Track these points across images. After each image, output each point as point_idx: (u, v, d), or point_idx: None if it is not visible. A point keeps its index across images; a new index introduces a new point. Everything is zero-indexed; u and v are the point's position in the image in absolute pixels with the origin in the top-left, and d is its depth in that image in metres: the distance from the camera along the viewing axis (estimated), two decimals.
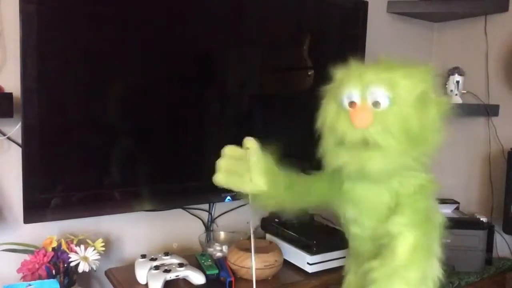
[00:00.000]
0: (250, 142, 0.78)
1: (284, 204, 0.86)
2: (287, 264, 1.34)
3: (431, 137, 0.75)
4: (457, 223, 1.49)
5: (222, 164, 0.80)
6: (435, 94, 0.75)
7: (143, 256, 1.25)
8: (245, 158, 0.75)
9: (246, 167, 0.75)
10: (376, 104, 0.69)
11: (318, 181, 0.89)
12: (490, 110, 1.80)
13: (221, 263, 1.27)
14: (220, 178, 0.78)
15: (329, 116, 0.80)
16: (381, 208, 0.79)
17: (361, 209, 0.83)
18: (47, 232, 1.22)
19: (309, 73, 1.57)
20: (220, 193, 1.41)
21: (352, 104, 0.73)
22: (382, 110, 0.69)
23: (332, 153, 0.79)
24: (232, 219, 1.59)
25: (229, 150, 0.80)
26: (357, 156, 0.72)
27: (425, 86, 0.73)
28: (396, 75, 0.73)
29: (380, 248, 0.75)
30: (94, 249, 1.19)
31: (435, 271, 0.78)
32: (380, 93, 0.69)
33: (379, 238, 0.77)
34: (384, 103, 0.69)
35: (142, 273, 1.18)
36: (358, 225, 0.84)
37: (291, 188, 0.86)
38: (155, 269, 1.17)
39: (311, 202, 0.89)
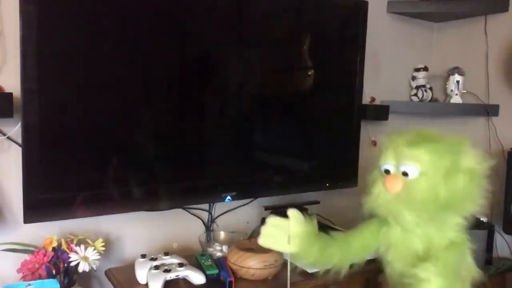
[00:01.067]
0: (292, 212, 0.92)
1: (321, 262, 1.03)
2: (287, 264, 1.34)
3: (463, 202, 0.85)
4: None
5: (265, 230, 0.96)
6: (470, 163, 0.84)
7: (143, 256, 1.25)
8: (286, 226, 0.89)
9: (285, 232, 0.91)
10: (406, 174, 0.82)
11: (357, 236, 1.01)
12: (490, 110, 1.80)
13: (221, 263, 1.27)
14: (263, 241, 0.95)
15: (373, 175, 0.93)
16: (411, 254, 0.89)
17: (394, 252, 0.94)
18: (47, 232, 1.22)
19: (309, 73, 1.57)
20: (220, 193, 1.42)
21: (387, 171, 0.87)
22: (411, 179, 0.82)
23: (374, 204, 0.91)
24: (232, 219, 1.59)
25: (272, 220, 0.96)
26: (392, 210, 0.87)
27: (453, 158, 0.83)
28: (425, 150, 0.83)
29: (404, 285, 0.87)
30: (94, 249, 1.19)
31: None
32: (409, 167, 0.82)
33: (405, 277, 0.86)
34: (413, 174, 0.82)
35: (142, 273, 1.18)
36: (390, 265, 0.96)
37: (326, 250, 1.02)
38: (155, 269, 1.17)
39: (354, 256, 1.01)
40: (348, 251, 1.00)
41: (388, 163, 0.88)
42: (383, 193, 0.88)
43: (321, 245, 1.01)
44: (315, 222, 0.96)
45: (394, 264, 0.96)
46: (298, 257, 0.98)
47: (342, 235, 1.04)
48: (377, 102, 1.88)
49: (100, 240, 1.23)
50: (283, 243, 0.93)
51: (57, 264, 1.15)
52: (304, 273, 1.30)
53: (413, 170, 0.83)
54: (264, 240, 0.95)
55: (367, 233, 0.99)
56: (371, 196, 0.91)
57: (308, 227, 0.94)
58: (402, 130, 0.98)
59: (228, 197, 1.43)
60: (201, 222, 1.53)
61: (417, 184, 0.83)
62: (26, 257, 1.15)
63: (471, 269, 0.90)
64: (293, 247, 0.93)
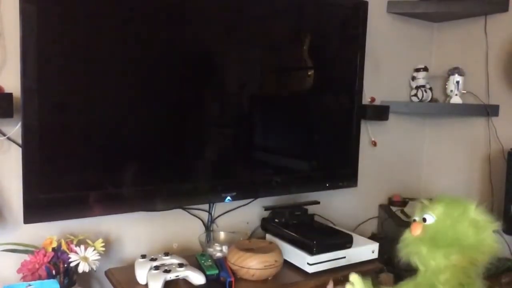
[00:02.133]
0: (354, 277, 1.09)
1: None
2: (287, 264, 1.34)
3: (470, 250, 1.05)
4: None
5: None
6: (475, 215, 1.07)
7: (143, 256, 1.24)
8: None
9: None
10: (424, 220, 1.07)
11: None
12: (490, 110, 1.80)
13: (221, 263, 1.27)
14: None
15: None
16: None
17: None
18: (47, 232, 1.22)
19: (309, 73, 1.57)
20: (220, 193, 1.42)
21: (414, 220, 1.11)
22: (428, 224, 1.07)
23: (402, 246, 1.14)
24: (232, 219, 1.59)
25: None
26: (413, 248, 1.10)
27: (461, 210, 1.07)
28: (440, 204, 1.09)
29: None
30: (94, 249, 1.19)
31: None
32: (427, 215, 1.07)
33: None
34: (430, 220, 1.07)
35: (142, 273, 1.18)
36: None
37: None
38: (155, 269, 1.17)
39: None
40: None
41: (415, 216, 1.12)
42: (408, 236, 1.12)
43: None
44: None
45: None
46: None
47: None
48: (377, 102, 1.88)
49: (100, 240, 1.23)
50: None
51: (57, 264, 1.15)
52: (304, 273, 1.30)
53: (430, 218, 1.07)
54: None
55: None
56: (402, 241, 1.13)
57: None
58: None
59: (228, 197, 1.43)
60: (201, 222, 1.53)
61: (431, 227, 1.07)
62: (26, 257, 1.15)
63: None
64: None
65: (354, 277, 1.11)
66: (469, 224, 1.07)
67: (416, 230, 1.10)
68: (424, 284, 1.10)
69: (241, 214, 1.60)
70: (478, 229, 1.08)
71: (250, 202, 1.60)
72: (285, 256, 1.33)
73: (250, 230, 1.62)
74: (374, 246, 1.44)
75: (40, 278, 1.13)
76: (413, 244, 1.12)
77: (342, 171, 1.71)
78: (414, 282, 1.13)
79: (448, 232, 1.07)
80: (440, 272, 1.06)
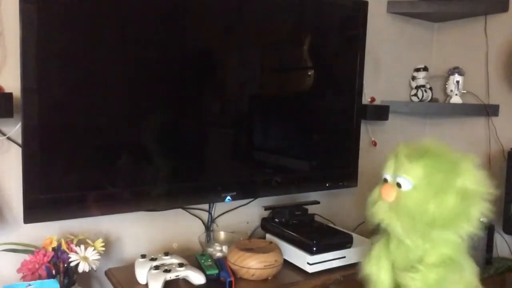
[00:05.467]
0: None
1: None
2: (287, 264, 1.34)
3: (454, 221, 0.86)
4: None
5: None
6: (466, 183, 0.85)
7: (143, 256, 1.24)
8: None
9: None
10: (399, 185, 0.86)
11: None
12: (490, 110, 1.80)
13: (221, 263, 1.27)
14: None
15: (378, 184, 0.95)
16: (408, 263, 0.92)
17: (399, 267, 0.96)
18: (47, 232, 1.22)
19: (309, 73, 1.57)
20: (220, 193, 1.42)
21: (385, 180, 0.92)
22: (403, 191, 0.87)
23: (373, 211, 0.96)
24: (232, 219, 1.59)
25: None
26: (384, 218, 0.91)
27: (448, 176, 0.85)
28: (421, 165, 0.86)
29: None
30: (94, 249, 1.19)
31: None
32: (403, 179, 0.86)
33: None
34: (406, 186, 0.86)
35: (142, 273, 1.18)
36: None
37: None
38: (155, 269, 1.17)
39: None
40: None
41: (387, 173, 0.92)
42: (379, 201, 0.93)
43: None
44: None
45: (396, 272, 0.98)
46: None
47: None
48: (377, 102, 1.88)
49: (100, 240, 1.23)
50: None
51: (57, 264, 1.15)
52: (304, 273, 1.30)
53: (406, 183, 0.86)
54: None
55: (384, 277, 1.00)
56: (370, 202, 0.96)
57: None
58: (413, 140, 0.97)
59: (228, 197, 1.43)
60: (201, 222, 1.53)
61: (408, 197, 0.87)
62: (26, 257, 1.15)
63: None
64: None
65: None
66: (456, 194, 0.85)
67: (388, 195, 0.89)
68: (399, 258, 0.94)
69: (241, 214, 1.60)
70: (467, 200, 0.86)
71: (250, 202, 1.60)
72: (285, 256, 1.34)
73: (250, 230, 1.62)
74: None
75: (40, 278, 1.13)
76: (384, 212, 0.91)
77: (342, 171, 1.71)
78: (387, 252, 0.97)
79: (428, 206, 0.84)
80: (418, 251, 0.90)
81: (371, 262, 1.02)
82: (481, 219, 0.88)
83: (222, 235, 1.50)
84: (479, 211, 0.88)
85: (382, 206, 0.91)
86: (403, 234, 0.88)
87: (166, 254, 1.26)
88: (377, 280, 1.00)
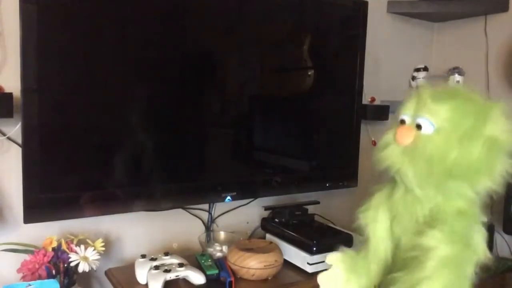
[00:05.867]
0: (331, 258, 0.91)
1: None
2: (287, 264, 1.34)
3: (475, 173, 0.76)
4: None
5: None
6: (495, 131, 0.75)
7: (143, 256, 1.25)
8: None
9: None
10: (419, 127, 0.76)
11: (376, 240, 0.92)
12: None
13: (221, 263, 1.27)
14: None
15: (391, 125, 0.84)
16: (414, 225, 0.82)
17: (398, 223, 0.86)
18: (47, 232, 1.22)
19: (309, 73, 1.57)
20: (220, 193, 1.42)
21: (402, 121, 0.81)
22: (423, 134, 0.75)
23: (382, 154, 0.85)
24: (232, 219, 1.59)
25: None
26: (396, 163, 0.80)
27: (476, 121, 0.74)
28: (447, 106, 0.76)
29: (408, 260, 0.79)
30: (94, 249, 1.19)
31: None
32: (425, 120, 0.75)
33: (409, 250, 0.80)
34: (427, 129, 0.75)
35: (142, 273, 1.18)
36: (397, 241, 0.88)
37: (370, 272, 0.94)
38: (155, 269, 1.17)
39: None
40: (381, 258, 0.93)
41: (406, 114, 0.81)
42: (392, 144, 0.81)
43: (365, 272, 0.94)
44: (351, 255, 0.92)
45: (400, 239, 0.87)
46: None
47: (366, 249, 0.95)
48: (377, 102, 1.88)
49: (100, 240, 1.23)
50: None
51: (57, 264, 1.15)
52: (304, 273, 1.30)
53: (428, 125, 0.75)
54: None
55: (381, 231, 0.90)
56: (380, 145, 0.85)
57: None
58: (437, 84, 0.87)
59: (228, 197, 1.43)
60: (201, 222, 1.53)
61: (428, 141, 0.75)
62: (26, 257, 1.15)
63: (477, 249, 0.78)
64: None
65: (331, 259, 0.90)
66: (483, 143, 0.74)
67: (405, 138, 0.77)
68: (404, 211, 0.84)
69: (241, 214, 1.60)
70: (493, 151, 0.75)
71: (250, 202, 1.60)
72: (285, 256, 1.33)
73: (250, 230, 1.62)
74: None
75: (40, 278, 1.13)
76: (395, 157, 0.80)
77: (342, 171, 1.71)
78: (389, 203, 0.86)
79: (449, 153, 0.74)
80: (428, 203, 0.80)
81: (369, 212, 0.91)
82: (503, 176, 0.76)
83: (222, 235, 1.50)
84: (503, 165, 0.77)
85: (395, 150, 0.80)
86: (415, 181, 0.78)
87: (166, 254, 1.26)
88: (373, 234, 0.90)
